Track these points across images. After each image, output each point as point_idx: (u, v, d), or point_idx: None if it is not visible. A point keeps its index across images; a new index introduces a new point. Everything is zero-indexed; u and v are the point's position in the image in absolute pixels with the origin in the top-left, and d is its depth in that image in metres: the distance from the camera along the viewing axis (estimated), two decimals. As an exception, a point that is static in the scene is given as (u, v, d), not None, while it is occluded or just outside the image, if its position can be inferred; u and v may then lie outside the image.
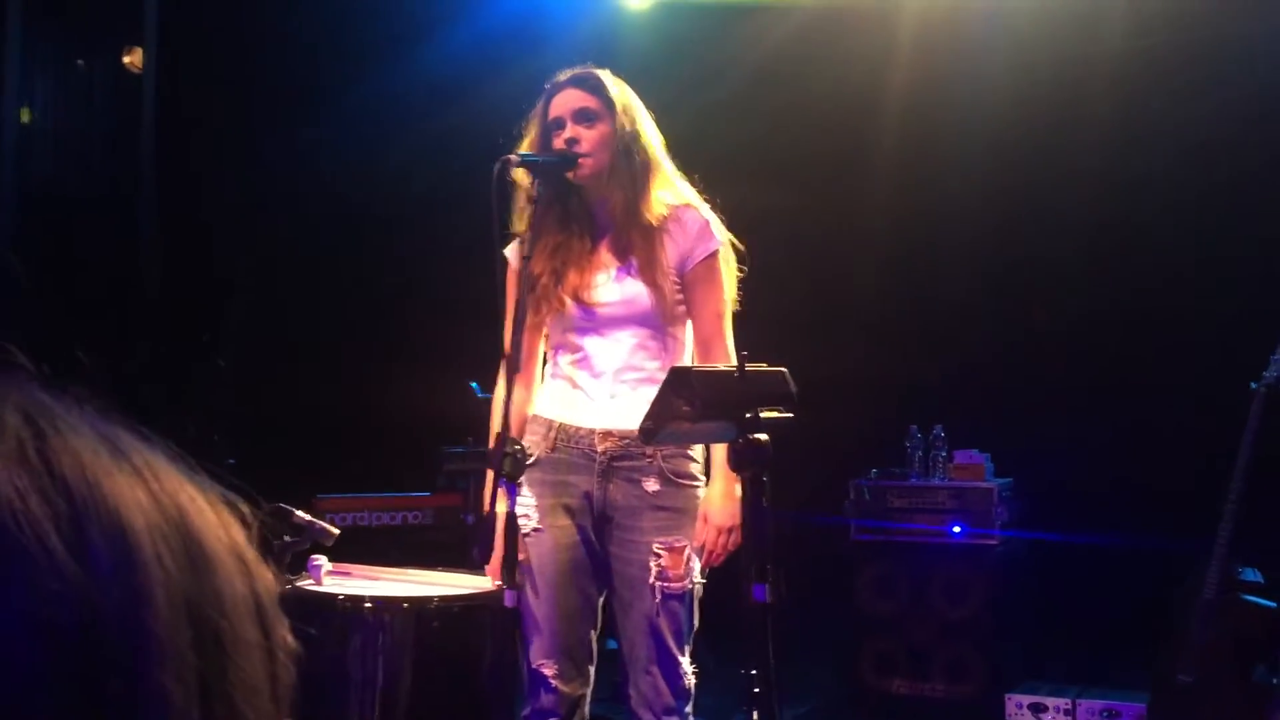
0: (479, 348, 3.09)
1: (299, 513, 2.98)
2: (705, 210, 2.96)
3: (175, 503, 0.55)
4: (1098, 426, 5.37)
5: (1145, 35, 5.30)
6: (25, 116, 5.86)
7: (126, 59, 6.18)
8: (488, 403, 3.00)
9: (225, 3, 6.25)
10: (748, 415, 2.33)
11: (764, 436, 2.32)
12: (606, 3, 6.20)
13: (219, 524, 0.58)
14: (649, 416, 2.49)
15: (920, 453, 5.16)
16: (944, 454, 5.13)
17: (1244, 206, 5.14)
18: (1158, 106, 5.29)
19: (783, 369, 2.57)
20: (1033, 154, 5.55)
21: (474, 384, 4.62)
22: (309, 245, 6.25)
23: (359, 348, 6.23)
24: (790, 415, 2.41)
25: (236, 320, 6.22)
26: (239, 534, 0.59)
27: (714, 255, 2.91)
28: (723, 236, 2.94)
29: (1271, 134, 5.11)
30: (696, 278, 2.91)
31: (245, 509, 0.61)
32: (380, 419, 5.87)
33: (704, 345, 2.94)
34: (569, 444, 2.86)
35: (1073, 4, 5.46)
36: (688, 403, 2.38)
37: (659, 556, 2.79)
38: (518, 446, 2.61)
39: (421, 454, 5.40)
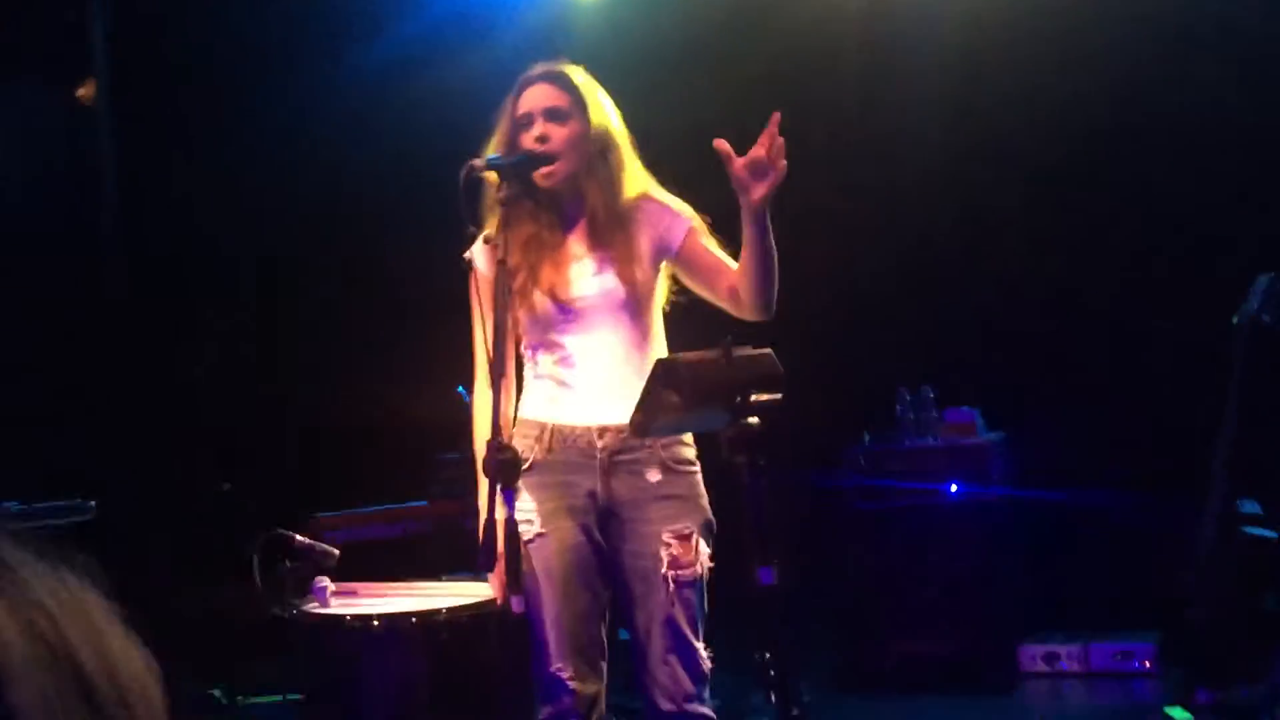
0: (463, 352, 3.06)
1: (299, 538, 2.97)
2: (672, 197, 2.96)
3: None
4: (1086, 375, 5.37)
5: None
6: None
7: (79, 92, 6.12)
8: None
9: (169, 24, 6.19)
10: (738, 400, 2.33)
11: (756, 420, 2.32)
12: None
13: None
14: (638, 410, 2.47)
15: (911, 415, 5.16)
16: (934, 414, 5.13)
17: (1224, 144, 5.11)
18: (1134, 54, 5.25)
19: (768, 350, 2.54)
20: (1008, 108, 5.50)
21: (460, 389, 4.59)
22: (279, 259, 6.22)
23: (344, 361, 6.19)
24: (779, 396, 2.40)
25: (213, 345, 6.18)
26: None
27: (693, 226, 2.90)
28: (691, 213, 2.93)
29: (1246, 71, 5.07)
30: (693, 246, 2.89)
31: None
32: (370, 430, 5.84)
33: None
34: (565, 444, 2.83)
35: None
36: (677, 393, 2.37)
37: (669, 546, 2.78)
38: (510, 452, 2.58)
39: (415, 463, 5.37)
